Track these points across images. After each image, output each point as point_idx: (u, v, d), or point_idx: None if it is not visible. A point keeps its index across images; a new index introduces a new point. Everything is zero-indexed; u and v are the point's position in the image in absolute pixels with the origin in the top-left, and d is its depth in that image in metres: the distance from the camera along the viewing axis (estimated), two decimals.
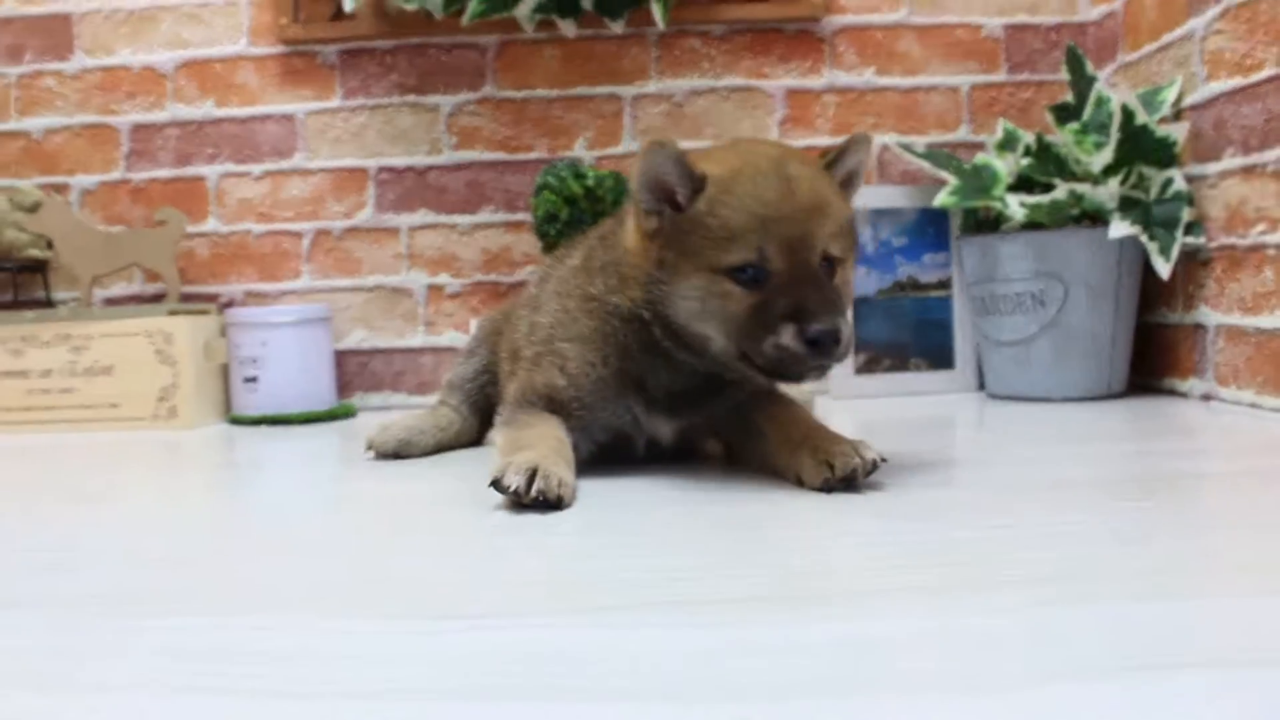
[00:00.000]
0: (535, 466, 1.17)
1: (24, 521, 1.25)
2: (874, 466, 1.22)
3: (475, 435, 1.79)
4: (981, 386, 2.35)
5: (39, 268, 2.49)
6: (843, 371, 2.34)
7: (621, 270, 1.34)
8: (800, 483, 1.26)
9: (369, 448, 1.67)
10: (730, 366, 1.29)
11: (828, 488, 1.22)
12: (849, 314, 1.27)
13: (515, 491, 1.15)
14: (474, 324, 2.12)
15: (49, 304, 2.51)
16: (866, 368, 2.35)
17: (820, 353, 1.19)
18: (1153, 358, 2.20)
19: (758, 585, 0.85)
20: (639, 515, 1.15)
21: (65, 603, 0.87)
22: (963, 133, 2.46)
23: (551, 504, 1.16)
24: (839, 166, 1.33)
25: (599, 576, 0.90)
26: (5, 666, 0.72)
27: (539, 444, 1.26)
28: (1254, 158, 1.82)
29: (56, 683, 0.68)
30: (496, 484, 1.16)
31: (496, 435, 1.40)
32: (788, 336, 1.19)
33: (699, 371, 1.34)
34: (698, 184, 1.25)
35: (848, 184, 1.35)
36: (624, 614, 0.79)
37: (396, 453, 1.66)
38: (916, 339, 2.37)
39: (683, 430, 1.42)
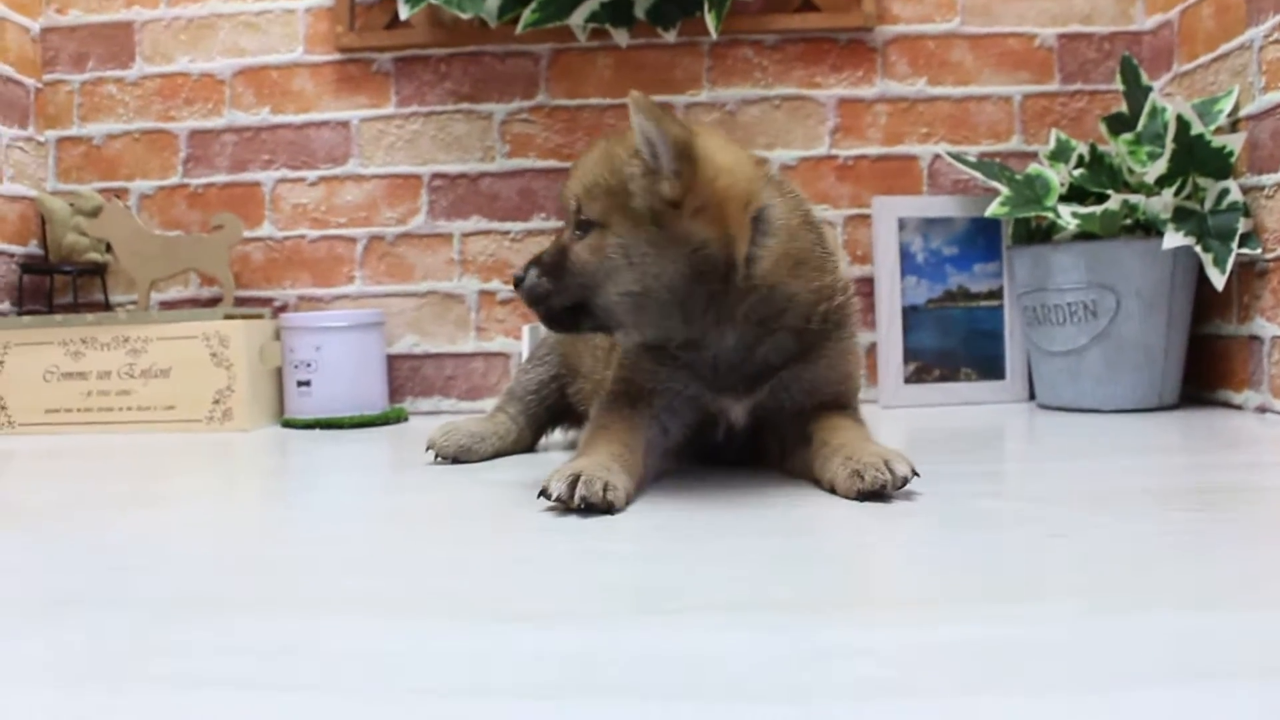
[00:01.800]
0: (578, 473, 1.18)
1: (91, 525, 1.27)
2: (904, 481, 1.21)
3: (530, 444, 1.80)
4: (1032, 397, 2.34)
5: (98, 271, 2.53)
6: (892, 381, 2.33)
7: None
8: (833, 490, 1.27)
9: (430, 448, 1.67)
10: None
11: (860, 497, 1.22)
12: (572, 274, 1.31)
13: (559, 498, 1.17)
14: (526, 331, 2.14)
15: (107, 306, 2.56)
16: (916, 377, 2.35)
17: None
18: (1207, 369, 2.18)
19: (810, 591, 0.86)
20: (691, 521, 1.16)
21: (134, 603, 0.89)
22: (1015, 143, 2.45)
23: (600, 509, 1.17)
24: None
25: (656, 580, 0.91)
26: (78, 663, 0.74)
27: (600, 448, 1.27)
28: None
29: (127, 678, 0.70)
30: (543, 492, 1.19)
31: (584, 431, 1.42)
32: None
33: (753, 349, 1.35)
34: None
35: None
36: (683, 616, 0.80)
37: (456, 457, 1.67)
38: (967, 349, 2.36)
39: (755, 414, 1.40)
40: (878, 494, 1.21)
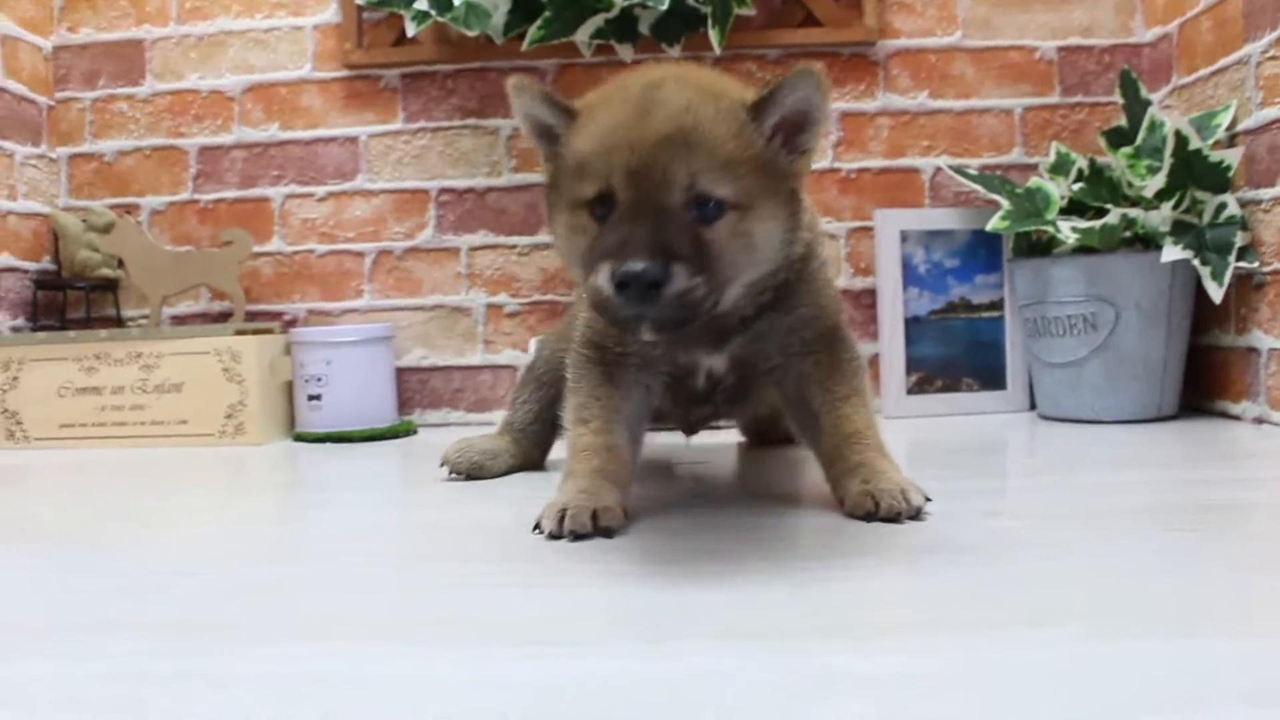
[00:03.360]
0: (565, 507, 1.22)
1: (112, 545, 1.31)
2: (918, 511, 1.25)
3: (539, 461, 1.80)
4: (1033, 407, 2.36)
5: (110, 286, 2.57)
6: (895, 391, 2.36)
7: None
8: (841, 503, 1.30)
9: (444, 464, 1.70)
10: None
11: (868, 519, 1.25)
12: (724, 269, 1.13)
13: (551, 534, 1.21)
14: (533, 344, 2.17)
15: (120, 321, 2.59)
16: (919, 387, 2.38)
17: (632, 299, 1.06)
18: (1206, 380, 2.21)
19: (809, 617, 0.89)
20: (690, 543, 1.19)
21: (158, 627, 0.92)
22: (1016, 155, 2.48)
23: (595, 536, 1.21)
24: (771, 106, 1.17)
25: (655, 606, 0.94)
26: (110, 690, 0.77)
27: (583, 463, 1.30)
28: None
29: (155, 709, 0.73)
30: (537, 526, 1.24)
31: (564, 412, 1.40)
32: (602, 277, 1.08)
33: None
34: (570, 116, 1.20)
35: (796, 128, 1.19)
36: (679, 643, 0.83)
37: (470, 474, 1.69)
38: (969, 359, 2.39)
39: (736, 364, 1.38)
40: (889, 520, 1.24)
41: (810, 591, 0.97)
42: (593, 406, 1.35)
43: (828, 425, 1.35)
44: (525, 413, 1.78)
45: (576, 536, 1.20)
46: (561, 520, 1.21)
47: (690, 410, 1.53)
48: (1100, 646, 0.79)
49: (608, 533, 1.22)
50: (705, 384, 1.42)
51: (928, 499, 1.27)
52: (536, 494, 1.53)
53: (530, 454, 1.78)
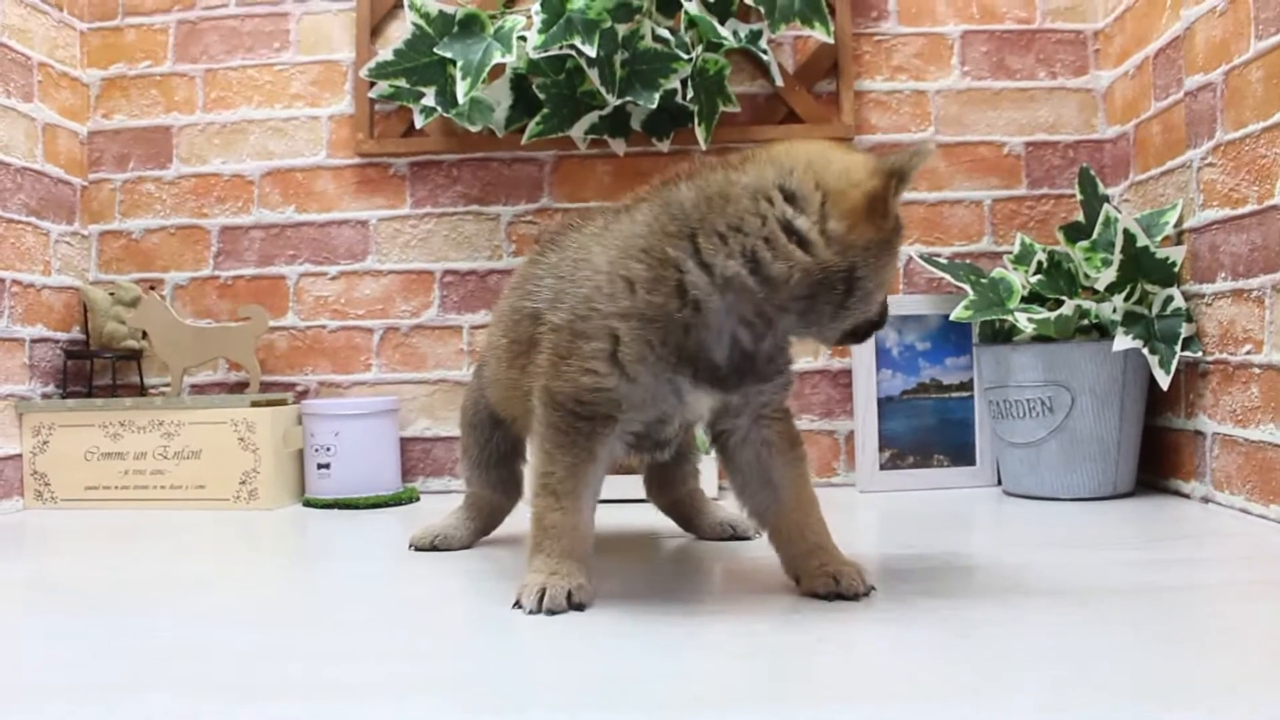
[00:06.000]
0: (543, 589, 1.38)
1: (138, 607, 1.46)
2: (870, 591, 1.42)
3: (507, 506, 1.94)
4: (1000, 482, 2.50)
5: (134, 356, 2.73)
6: (869, 467, 2.50)
7: (766, 233, 1.32)
8: (798, 580, 1.46)
9: (410, 545, 1.90)
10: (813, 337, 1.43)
11: (826, 598, 1.40)
12: None
13: (530, 611, 1.37)
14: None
15: (143, 389, 2.76)
16: (891, 463, 2.52)
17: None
18: (1161, 459, 2.34)
19: (783, 683, 1.03)
20: (655, 618, 1.34)
21: (183, 685, 1.08)
22: (985, 243, 2.63)
23: (570, 609, 1.37)
24: None
25: (621, 675, 1.09)
26: None
27: (555, 542, 1.42)
28: (1241, 283, 1.98)
29: None
30: (517, 603, 1.39)
31: (530, 474, 1.51)
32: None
33: (759, 346, 1.40)
34: None
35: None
36: (627, 712, 0.97)
37: (434, 545, 1.87)
38: (939, 436, 2.53)
39: (720, 409, 1.46)
40: (848, 599, 1.40)
41: (777, 663, 1.12)
42: (562, 478, 1.42)
43: (789, 500, 1.49)
44: (474, 457, 1.91)
45: (552, 613, 1.36)
46: (541, 599, 1.37)
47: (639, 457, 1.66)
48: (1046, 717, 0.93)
49: (580, 608, 1.38)
50: (672, 433, 1.51)
51: (874, 588, 1.43)
52: (516, 567, 1.68)
53: (495, 508, 1.93)
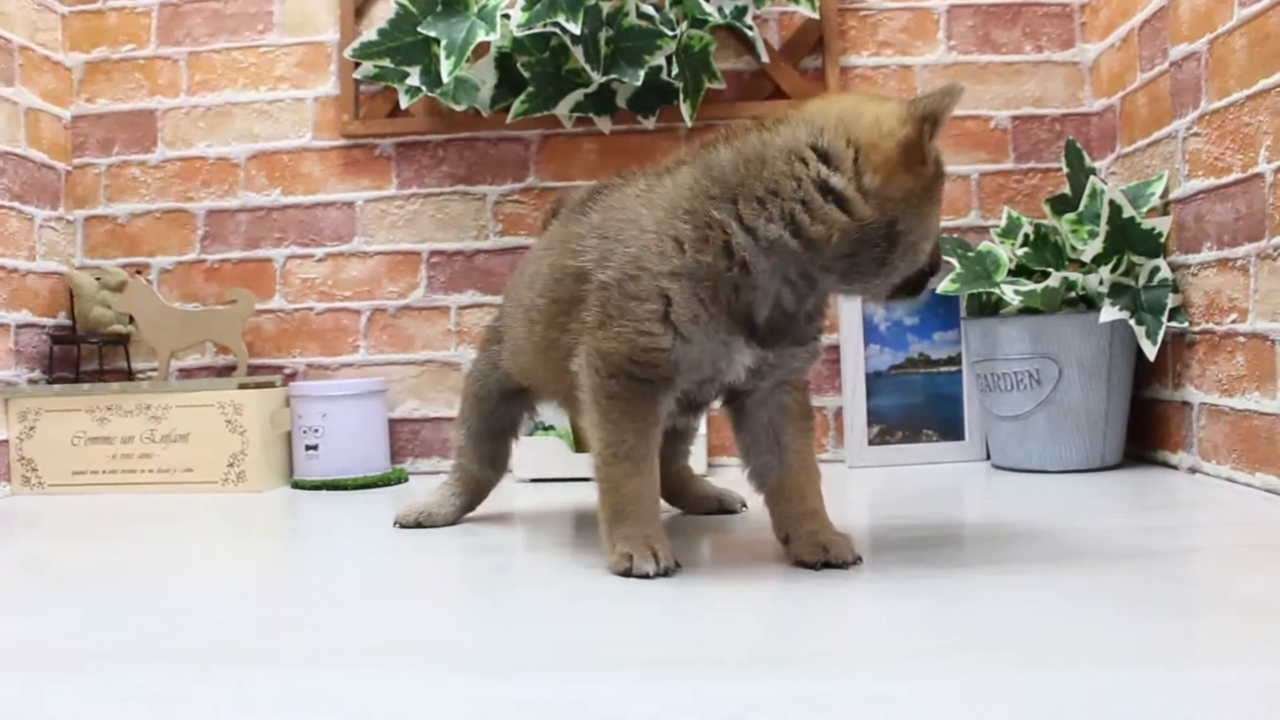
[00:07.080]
0: (653, 551, 1.39)
1: (129, 585, 1.46)
2: (857, 561, 1.42)
3: (493, 479, 1.94)
4: (989, 456, 2.50)
5: (121, 341, 2.73)
6: (858, 442, 2.50)
7: (803, 195, 1.31)
8: (785, 541, 1.47)
9: (395, 522, 1.89)
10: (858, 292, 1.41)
11: (814, 567, 1.41)
12: None
13: (647, 575, 1.37)
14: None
15: (130, 374, 2.75)
16: (880, 438, 2.52)
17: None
18: (1148, 431, 2.35)
19: (777, 646, 1.03)
20: (646, 585, 1.34)
21: (176, 656, 1.08)
22: (973, 217, 2.63)
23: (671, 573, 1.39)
24: None
25: (607, 638, 1.09)
26: (131, 709, 0.91)
27: (641, 507, 1.43)
28: (1226, 252, 1.98)
29: None
30: (627, 573, 1.39)
31: (594, 443, 1.47)
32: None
33: (800, 306, 1.41)
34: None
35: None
36: (612, 671, 0.97)
37: (418, 523, 1.87)
38: (928, 411, 2.53)
39: (754, 371, 1.44)
40: (837, 567, 1.40)
41: (782, 624, 1.11)
42: (634, 444, 1.43)
43: (794, 464, 1.50)
44: (473, 427, 1.90)
45: (668, 574, 1.38)
46: (657, 561, 1.38)
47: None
48: (1038, 675, 0.93)
49: (669, 572, 1.39)
50: (713, 394, 1.52)
51: (860, 558, 1.43)
52: (501, 543, 1.68)
53: (482, 483, 1.92)
